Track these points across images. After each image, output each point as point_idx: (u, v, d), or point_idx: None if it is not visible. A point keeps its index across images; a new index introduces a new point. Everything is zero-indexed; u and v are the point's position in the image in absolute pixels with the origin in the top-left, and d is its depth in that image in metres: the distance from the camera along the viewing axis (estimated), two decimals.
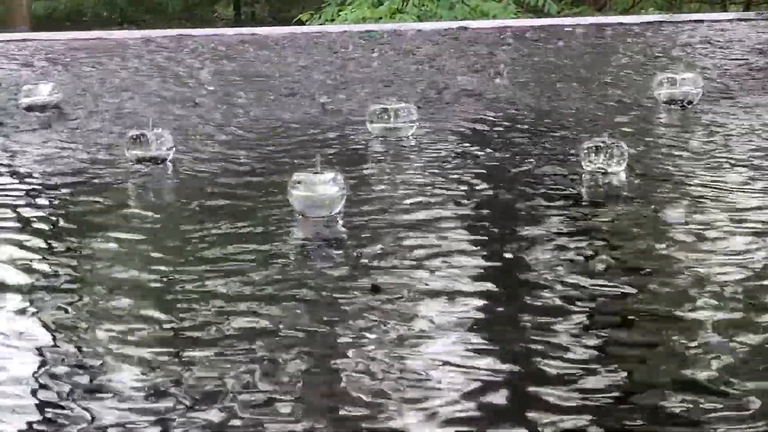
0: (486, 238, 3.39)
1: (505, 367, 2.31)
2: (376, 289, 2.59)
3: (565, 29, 8.93)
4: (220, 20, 25.06)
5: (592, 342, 2.48)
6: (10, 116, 5.77)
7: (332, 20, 15.67)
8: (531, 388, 2.17)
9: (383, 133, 5.06)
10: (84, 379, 2.24)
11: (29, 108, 5.86)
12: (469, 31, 8.79)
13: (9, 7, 22.36)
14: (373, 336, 2.46)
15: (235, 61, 7.73)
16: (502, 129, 5.27)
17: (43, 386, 2.21)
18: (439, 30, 9.00)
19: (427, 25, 10.08)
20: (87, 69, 7.45)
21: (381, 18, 14.85)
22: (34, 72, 7.43)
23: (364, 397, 2.12)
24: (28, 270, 3.03)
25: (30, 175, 4.39)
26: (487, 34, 8.78)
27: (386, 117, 5.09)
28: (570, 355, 2.34)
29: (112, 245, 3.34)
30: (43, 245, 3.39)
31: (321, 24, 15.02)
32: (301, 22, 15.39)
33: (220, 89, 6.64)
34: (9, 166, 4.55)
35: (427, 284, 2.84)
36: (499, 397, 2.15)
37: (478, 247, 3.25)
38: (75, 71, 7.41)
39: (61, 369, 2.30)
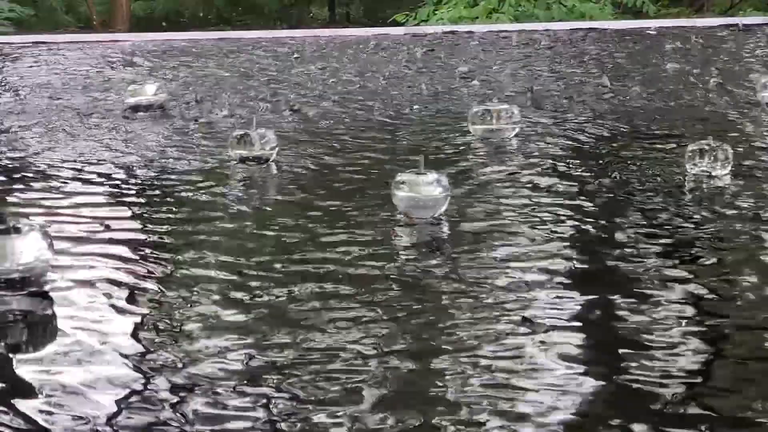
0: (592, 241, 3.37)
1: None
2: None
3: (659, 30, 8.84)
4: (316, 21, 25.24)
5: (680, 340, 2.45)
6: (117, 116, 5.89)
7: (427, 20, 15.70)
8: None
9: (485, 135, 5.06)
10: None
11: (134, 108, 5.98)
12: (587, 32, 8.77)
13: (111, 9, 22.78)
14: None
15: (338, 62, 7.79)
16: (610, 131, 5.24)
17: None
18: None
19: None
20: (190, 69, 7.57)
21: (477, 18, 14.83)
22: (139, 72, 7.58)
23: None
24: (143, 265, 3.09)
25: (134, 174, 4.46)
26: (595, 35, 8.74)
27: (488, 118, 5.08)
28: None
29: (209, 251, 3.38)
30: (156, 240, 3.45)
31: (416, 24, 15.04)
32: (396, 23, 15.43)
33: (320, 90, 6.70)
34: (115, 164, 4.63)
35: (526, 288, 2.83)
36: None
37: (584, 253, 3.22)
38: (179, 72, 7.53)
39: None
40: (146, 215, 3.86)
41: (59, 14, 22.72)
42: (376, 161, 4.69)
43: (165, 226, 3.60)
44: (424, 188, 3.58)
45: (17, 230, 2.79)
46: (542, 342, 2.41)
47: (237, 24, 22.90)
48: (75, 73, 7.66)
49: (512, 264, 3.04)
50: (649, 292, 2.79)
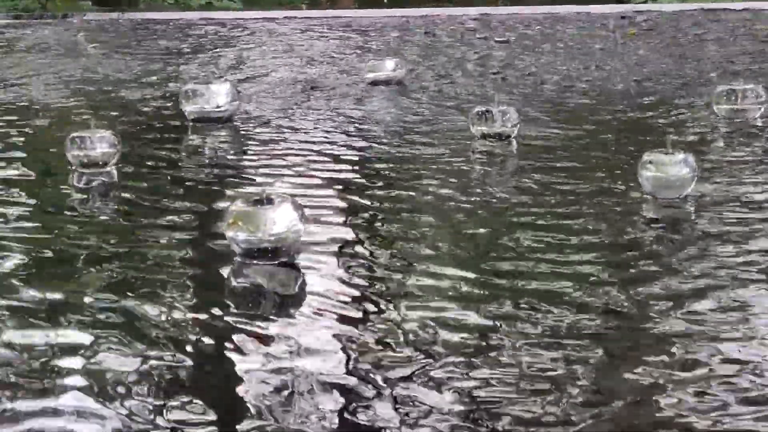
0: None
1: None
2: None
3: None
4: None
5: None
6: (358, 90, 5.99)
7: None
8: None
9: (729, 115, 4.89)
10: None
11: (374, 83, 6.08)
12: None
13: None
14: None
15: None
16: None
17: None
18: None
19: None
20: (430, 43, 7.62)
21: None
22: (378, 48, 7.69)
23: None
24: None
25: (375, 149, 4.52)
26: None
27: (733, 98, 4.92)
28: None
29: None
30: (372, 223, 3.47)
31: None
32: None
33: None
34: (355, 136, 4.71)
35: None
36: None
37: None
38: (418, 47, 7.60)
39: None
40: (388, 190, 3.88)
41: None
42: (616, 138, 4.62)
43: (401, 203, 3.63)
44: (671, 168, 3.48)
45: (270, 201, 2.85)
46: None
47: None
48: (309, 48, 7.85)
49: None
50: None
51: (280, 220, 2.83)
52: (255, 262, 2.80)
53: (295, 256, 2.84)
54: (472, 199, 3.55)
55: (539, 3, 10.90)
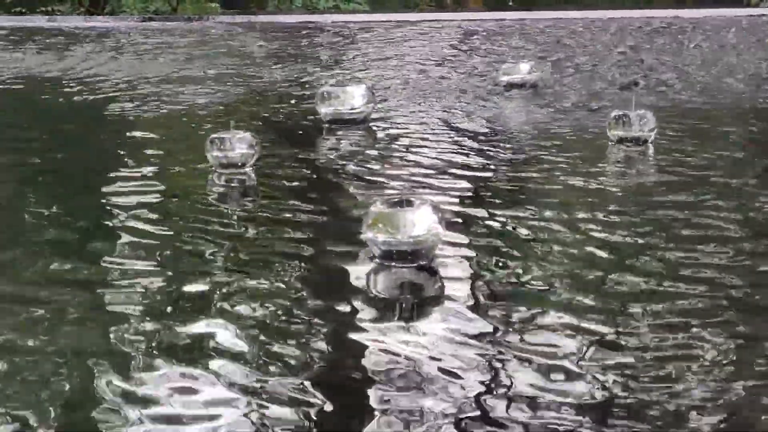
0: None
1: None
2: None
3: None
4: None
5: None
6: (492, 93, 5.98)
7: None
8: None
9: None
10: None
11: (509, 85, 6.06)
12: None
13: None
14: None
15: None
16: None
17: None
18: None
19: None
20: (566, 45, 7.56)
21: None
22: (511, 51, 7.65)
23: None
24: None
25: (509, 150, 4.50)
26: None
27: None
28: None
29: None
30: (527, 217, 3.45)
31: None
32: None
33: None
34: (488, 138, 4.69)
35: None
36: None
37: None
38: (554, 50, 7.55)
39: None
40: (520, 195, 3.85)
41: None
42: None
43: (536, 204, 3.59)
44: None
45: (409, 203, 2.85)
46: None
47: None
48: (439, 50, 7.85)
49: None
50: None
51: (419, 223, 2.82)
52: (394, 263, 2.80)
53: (433, 259, 2.84)
54: (609, 207, 3.50)
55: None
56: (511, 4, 14.33)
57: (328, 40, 9.09)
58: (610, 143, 4.46)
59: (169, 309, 2.54)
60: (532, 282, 2.71)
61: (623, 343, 2.27)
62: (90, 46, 8.96)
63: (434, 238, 2.83)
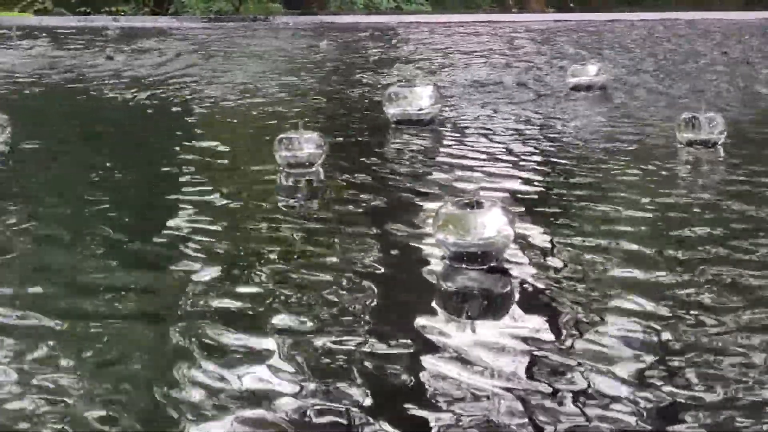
0: None
1: None
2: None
3: None
4: None
5: None
6: (559, 94, 5.95)
7: None
8: None
9: None
10: None
11: (575, 87, 6.03)
12: None
13: None
14: None
15: None
16: None
17: None
18: None
19: None
20: (633, 47, 7.51)
21: None
22: (578, 52, 7.62)
23: None
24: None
25: (575, 151, 4.48)
26: None
27: None
28: None
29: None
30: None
31: None
32: None
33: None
34: (554, 140, 4.67)
35: None
36: None
37: None
38: (619, 52, 7.50)
39: None
40: (588, 201, 3.82)
41: None
42: None
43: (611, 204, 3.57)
44: None
45: (480, 205, 2.85)
46: None
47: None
48: (504, 51, 7.83)
49: None
50: None
51: (490, 224, 2.82)
52: (464, 265, 2.80)
53: (503, 261, 2.83)
54: (672, 215, 3.47)
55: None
56: (572, 6, 14.26)
57: (392, 40, 9.10)
58: (678, 146, 4.42)
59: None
60: (604, 286, 2.69)
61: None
62: (160, 45, 9.03)
63: (504, 240, 2.83)
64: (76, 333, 2.38)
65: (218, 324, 2.39)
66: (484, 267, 2.79)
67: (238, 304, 2.55)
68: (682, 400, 1.99)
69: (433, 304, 2.59)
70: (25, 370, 2.15)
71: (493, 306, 2.64)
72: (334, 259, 2.94)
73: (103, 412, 1.95)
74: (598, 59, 6.83)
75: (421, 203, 3.61)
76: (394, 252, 3.05)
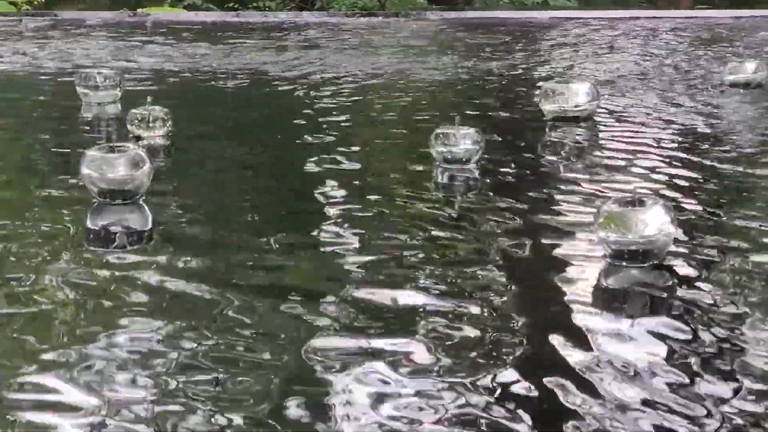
0: None
1: None
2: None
3: None
4: None
5: None
6: (716, 92, 5.88)
7: None
8: None
9: None
10: None
11: (733, 84, 5.94)
12: None
13: None
14: None
15: None
16: None
17: None
18: None
19: None
20: None
21: None
22: (734, 50, 7.49)
23: None
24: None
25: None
26: None
27: None
28: None
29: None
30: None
31: None
32: None
33: None
34: (711, 140, 4.61)
35: None
36: None
37: None
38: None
39: None
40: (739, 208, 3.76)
41: None
42: None
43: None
44: None
45: (641, 203, 2.85)
46: None
47: None
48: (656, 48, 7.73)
49: None
50: None
51: (651, 223, 2.81)
52: (625, 264, 2.80)
53: (664, 259, 2.82)
54: None
55: None
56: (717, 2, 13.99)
57: (544, 37, 9.07)
58: None
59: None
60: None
61: None
62: (315, 42, 9.11)
63: (666, 238, 2.82)
64: None
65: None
66: (646, 265, 2.79)
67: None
68: None
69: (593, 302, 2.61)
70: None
71: (656, 305, 2.64)
72: (483, 254, 2.98)
73: None
74: (756, 56, 6.68)
75: (578, 201, 3.59)
76: (548, 248, 3.06)
